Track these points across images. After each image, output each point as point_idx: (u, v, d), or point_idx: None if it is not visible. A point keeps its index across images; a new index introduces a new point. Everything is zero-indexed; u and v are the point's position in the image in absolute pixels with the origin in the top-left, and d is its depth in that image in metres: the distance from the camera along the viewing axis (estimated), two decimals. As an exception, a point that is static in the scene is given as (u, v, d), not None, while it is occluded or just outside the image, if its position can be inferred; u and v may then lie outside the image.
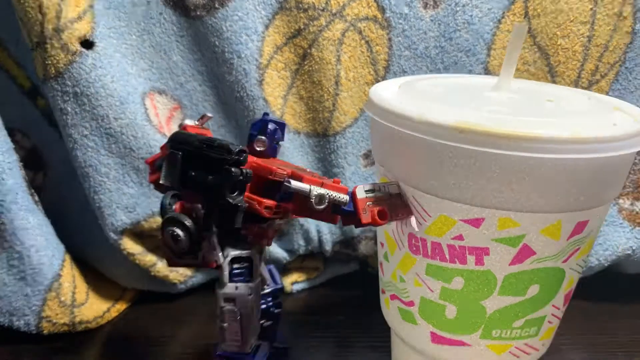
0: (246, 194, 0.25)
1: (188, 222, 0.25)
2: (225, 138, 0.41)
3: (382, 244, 0.31)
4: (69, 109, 0.35)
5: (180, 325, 0.40)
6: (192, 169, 0.25)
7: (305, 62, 0.38)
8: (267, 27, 0.38)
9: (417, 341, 0.29)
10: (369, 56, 0.39)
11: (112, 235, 0.38)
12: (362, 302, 0.43)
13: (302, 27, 0.37)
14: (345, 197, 0.25)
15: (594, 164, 0.22)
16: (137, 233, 0.39)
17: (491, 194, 0.23)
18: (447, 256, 0.26)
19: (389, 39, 0.38)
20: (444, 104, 0.25)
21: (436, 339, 0.28)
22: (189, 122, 0.29)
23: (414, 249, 0.27)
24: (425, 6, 0.38)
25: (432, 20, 0.38)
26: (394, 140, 0.26)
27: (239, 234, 0.27)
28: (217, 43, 0.37)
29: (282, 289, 0.33)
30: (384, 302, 0.32)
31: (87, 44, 0.34)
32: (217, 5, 0.36)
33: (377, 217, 0.25)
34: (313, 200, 0.25)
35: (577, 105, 0.27)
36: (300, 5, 0.37)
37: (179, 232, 0.25)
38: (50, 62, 0.34)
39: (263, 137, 0.27)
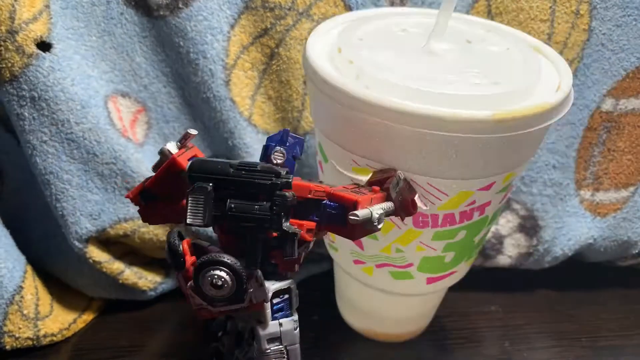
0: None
1: (232, 261, 0.22)
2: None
3: None
4: (26, 114, 0.33)
5: (151, 333, 0.39)
6: (229, 200, 0.22)
7: (273, 62, 0.38)
8: (232, 26, 0.37)
9: (412, 289, 0.34)
10: (337, 55, 0.39)
11: (76, 244, 0.37)
12: (336, 302, 0.43)
13: (268, 26, 0.37)
14: (391, 205, 0.24)
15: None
16: (103, 240, 0.38)
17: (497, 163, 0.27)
18: (457, 220, 0.29)
19: (357, 38, 0.38)
20: (385, 71, 0.26)
21: (431, 280, 0.33)
22: (171, 146, 0.25)
23: (421, 224, 0.29)
24: (392, 4, 0.38)
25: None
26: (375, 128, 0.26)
27: (269, 264, 0.24)
28: (181, 43, 0.36)
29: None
30: (361, 270, 0.33)
31: (44, 45, 0.33)
32: (180, 5, 0.35)
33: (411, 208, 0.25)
34: (376, 223, 0.23)
35: (502, 64, 0.29)
36: (267, 4, 0.37)
37: (225, 276, 0.22)
38: (4, 65, 0.32)
39: (282, 148, 0.24)
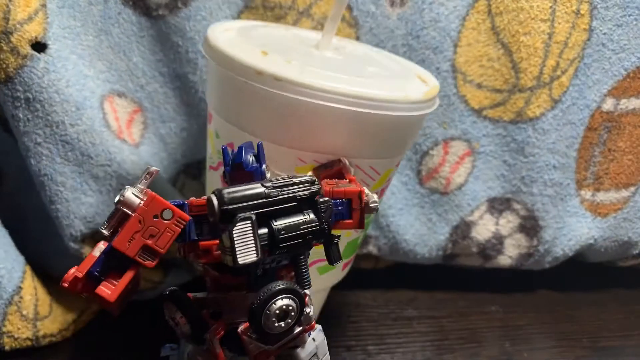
0: None
1: (290, 284, 0.21)
2: (187, 141, 0.40)
3: None
4: (21, 115, 0.33)
5: (151, 333, 0.39)
6: (274, 224, 0.20)
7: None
8: (231, 26, 0.37)
9: (332, 279, 0.36)
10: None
11: (72, 245, 0.37)
12: (336, 302, 0.43)
13: (267, 25, 0.37)
14: (375, 196, 0.24)
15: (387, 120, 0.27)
16: (99, 241, 0.38)
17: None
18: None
19: (357, 38, 0.38)
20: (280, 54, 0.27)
21: (345, 265, 0.36)
22: (130, 192, 0.21)
23: None
24: (392, 4, 0.38)
25: (399, 19, 0.38)
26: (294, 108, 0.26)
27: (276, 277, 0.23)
28: (180, 43, 0.36)
29: None
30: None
31: (39, 46, 0.33)
32: (179, 5, 0.35)
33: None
34: (377, 204, 0.23)
35: (384, 70, 0.31)
36: (266, 4, 0.36)
37: (292, 303, 0.20)
38: (-1, 65, 0.32)
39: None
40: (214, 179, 0.33)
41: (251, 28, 0.32)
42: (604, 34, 0.38)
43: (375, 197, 0.24)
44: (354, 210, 0.23)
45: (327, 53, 0.31)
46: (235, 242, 0.19)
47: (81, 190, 0.36)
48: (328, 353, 0.25)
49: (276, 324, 0.20)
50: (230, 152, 0.23)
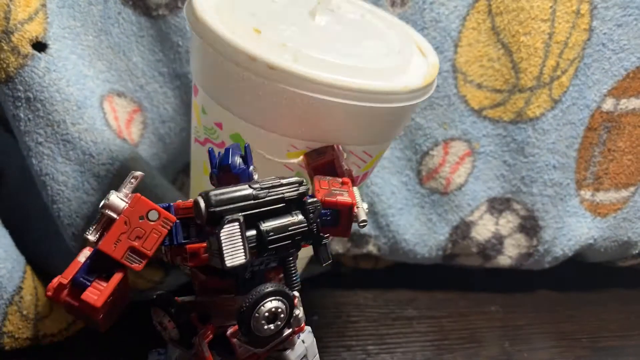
0: None
1: (279, 286, 0.21)
2: (186, 141, 0.40)
3: None
4: (22, 115, 0.33)
5: (150, 333, 0.39)
6: (262, 225, 0.20)
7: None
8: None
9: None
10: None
11: (73, 244, 0.37)
12: (335, 302, 0.43)
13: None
14: (364, 213, 0.24)
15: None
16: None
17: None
18: (359, 179, 0.31)
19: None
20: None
21: None
22: (115, 196, 0.21)
23: None
24: (393, 4, 0.38)
25: (400, 19, 0.38)
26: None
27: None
28: (180, 43, 0.36)
29: None
30: None
31: (40, 46, 0.33)
32: (180, 5, 0.35)
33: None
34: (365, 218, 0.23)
35: (383, 44, 0.29)
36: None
37: (281, 305, 0.20)
38: (-1, 65, 0.32)
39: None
40: (199, 151, 0.31)
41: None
42: (604, 34, 0.38)
43: (364, 215, 0.23)
44: (342, 219, 0.23)
45: (322, 21, 0.28)
46: (223, 245, 0.19)
47: (83, 190, 0.36)
48: (318, 354, 0.25)
49: (265, 327, 0.20)
50: (217, 153, 0.23)
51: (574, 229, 0.44)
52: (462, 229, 0.43)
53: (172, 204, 0.22)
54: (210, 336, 0.22)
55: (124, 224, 0.20)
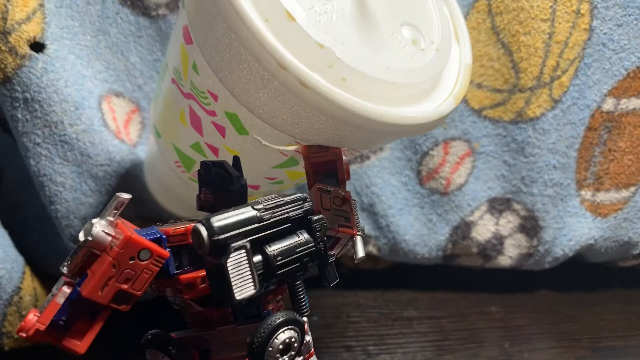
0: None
1: (293, 315, 0.19)
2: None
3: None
4: (20, 115, 0.33)
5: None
6: (268, 250, 0.18)
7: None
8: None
9: None
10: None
11: (71, 245, 0.37)
12: (335, 302, 0.43)
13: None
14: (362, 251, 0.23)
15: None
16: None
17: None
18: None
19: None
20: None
21: None
22: (99, 230, 0.18)
23: None
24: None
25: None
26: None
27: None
28: (178, 43, 0.36)
29: None
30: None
31: (38, 46, 0.33)
32: (180, 4, 0.35)
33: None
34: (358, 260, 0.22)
35: (421, 37, 0.24)
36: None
37: (295, 334, 0.19)
38: (-3, 66, 0.32)
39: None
40: (175, 95, 0.26)
41: None
42: (604, 33, 0.38)
43: (361, 250, 0.22)
44: (336, 244, 0.22)
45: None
46: (231, 276, 0.17)
47: (81, 191, 0.36)
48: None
49: (280, 359, 0.19)
50: (210, 165, 0.21)
51: (574, 229, 0.43)
52: (462, 229, 0.43)
53: (162, 235, 0.20)
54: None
55: (112, 267, 0.18)
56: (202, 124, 0.25)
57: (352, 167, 0.42)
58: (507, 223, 0.43)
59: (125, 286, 0.18)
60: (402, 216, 0.43)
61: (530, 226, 0.43)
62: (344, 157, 0.24)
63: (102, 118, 0.36)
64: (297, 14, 0.20)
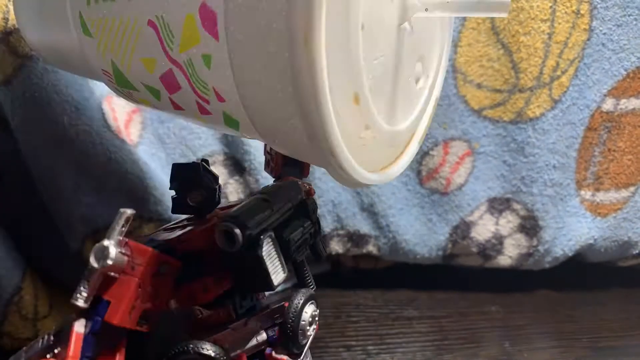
0: None
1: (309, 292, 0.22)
2: (186, 140, 0.40)
3: None
4: (20, 115, 0.33)
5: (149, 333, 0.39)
6: (285, 234, 0.19)
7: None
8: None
9: None
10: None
11: (72, 244, 0.37)
12: (335, 302, 0.43)
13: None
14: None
15: None
16: (99, 240, 0.38)
17: None
18: None
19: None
20: None
21: None
22: (115, 251, 0.17)
23: None
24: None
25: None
26: None
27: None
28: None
29: None
30: None
31: (39, 46, 0.33)
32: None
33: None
34: None
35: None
36: None
37: (315, 308, 0.21)
38: (-2, 66, 0.32)
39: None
40: (147, 39, 0.19)
41: None
42: (604, 34, 0.38)
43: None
44: None
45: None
46: (268, 265, 0.18)
47: (81, 191, 0.36)
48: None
49: (309, 332, 0.21)
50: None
51: (574, 229, 0.44)
52: (462, 229, 0.43)
53: (170, 243, 0.20)
54: None
55: (137, 288, 0.17)
56: (181, 96, 0.20)
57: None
58: (507, 223, 0.43)
59: (149, 305, 0.18)
60: (402, 216, 0.43)
61: (530, 226, 0.43)
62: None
63: (103, 118, 0.36)
64: (361, 100, 0.17)
